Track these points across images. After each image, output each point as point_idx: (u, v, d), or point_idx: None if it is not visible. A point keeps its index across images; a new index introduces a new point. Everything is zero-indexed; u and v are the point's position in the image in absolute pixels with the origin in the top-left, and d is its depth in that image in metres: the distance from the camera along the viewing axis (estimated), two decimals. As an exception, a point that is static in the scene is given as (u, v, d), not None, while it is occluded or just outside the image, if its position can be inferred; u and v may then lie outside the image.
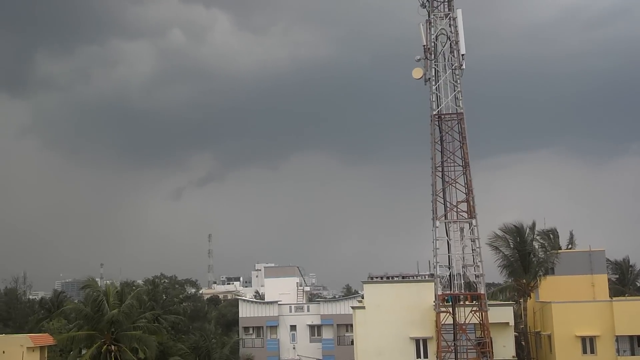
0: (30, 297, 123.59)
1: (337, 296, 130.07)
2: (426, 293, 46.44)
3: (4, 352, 63.38)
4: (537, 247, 53.65)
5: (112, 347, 53.18)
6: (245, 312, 76.59)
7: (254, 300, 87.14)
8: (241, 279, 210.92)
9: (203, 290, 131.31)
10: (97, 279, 63.53)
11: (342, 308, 74.09)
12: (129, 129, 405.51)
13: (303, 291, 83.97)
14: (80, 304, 63.88)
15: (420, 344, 46.62)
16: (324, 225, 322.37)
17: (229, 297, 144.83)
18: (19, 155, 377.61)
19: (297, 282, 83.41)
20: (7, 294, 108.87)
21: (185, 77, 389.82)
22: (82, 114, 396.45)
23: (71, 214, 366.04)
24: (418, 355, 46.72)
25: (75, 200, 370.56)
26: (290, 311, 76.10)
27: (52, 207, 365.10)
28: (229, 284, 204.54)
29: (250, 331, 75.49)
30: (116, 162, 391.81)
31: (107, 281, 62.87)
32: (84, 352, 56.86)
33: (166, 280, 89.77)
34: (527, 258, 51.97)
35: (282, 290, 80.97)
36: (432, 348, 45.60)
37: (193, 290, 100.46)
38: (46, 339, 67.06)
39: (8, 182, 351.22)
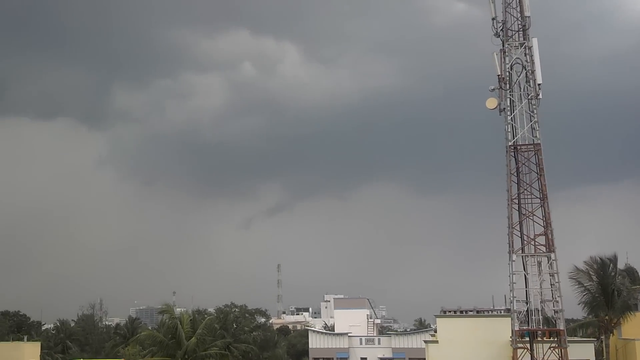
0: (106, 323, 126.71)
1: (408, 329, 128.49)
2: (502, 328, 45.35)
3: (82, 376, 65.16)
4: (619, 282, 51.90)
5: (186, 374, 53.89)
6: (315, 342, 76.49)
7: (324, 331, 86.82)
8: (310, 309, 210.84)
9: (273, 320, 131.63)
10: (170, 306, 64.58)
11: (414, 342, 73.13)
12: (201, 160, 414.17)
13: (374, 323, 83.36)
14: (154, 331, 65.06)
15: (496, 380, 45.44)
16: (394, 257, 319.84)
17: (299, 328, 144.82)
18: (97, 185, 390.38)
19: (367, 314, 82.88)
20: (84, 320, 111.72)
21: (255, 108, 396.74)
22: (156, 145, 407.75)
23: (145, 243, 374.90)
24: (494, 391, 45.53)
25: (149, 229, 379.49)
26: (361, 343, 75.60)
27: (127, 236, 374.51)
28: (298, 314, 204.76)
29: (320, 362, 75.37)
30: (188, 192, 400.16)
31: (180, 309, 63.89)
32: (158, 378, 57.80)
33: (237, 309, 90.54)
34: (611, 293, 50.28)
35: (352, 322, 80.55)
36: (508, 384, 44.39)
37: (263, 320, 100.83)
38: (122, 364, 68.62)
39: (87, 212, 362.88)
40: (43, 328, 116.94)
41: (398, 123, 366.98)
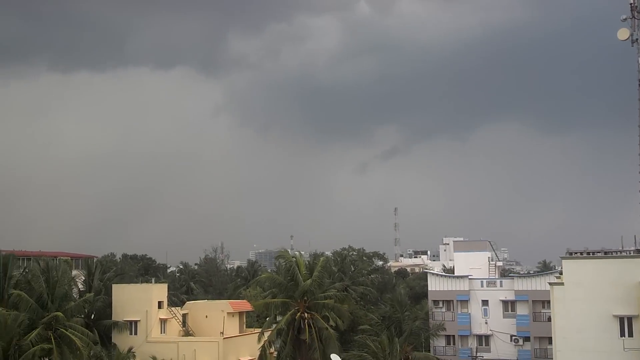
0: (228, 266, 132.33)
1: (531, 272, 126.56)
2: (632, 269, 44.00)
3: (206, 316, 68.89)
4: None
5: (306, 314, 55.70)
6: (435, 285, 76.83)
7: (444, 274, 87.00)
8: (428, 252, 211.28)
9: (390, 263, 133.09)
10: (287, 250, 66.69)
11: (538, 284, 72.07)
12: (315, 104, 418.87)
13: (495, 266, 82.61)
14: (273, 274, 67.35)
15: (625, 322, 44.37)
16: (516, 198, 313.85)
17: (417, 271, 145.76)
18: (215, 132, 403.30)
19: (488, 257, 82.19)
20: (207, 263, 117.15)
21: (370, 49, 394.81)
22: (271, 91, 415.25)
23: (263, 188, 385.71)
24: (622, 334, 44.46)
25: (266, 174, 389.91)
26: (482, 286, 75.25)
27: (245, 182, 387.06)
28: (416, 257, 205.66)
29: (440, 305, 75.68)
30: (304, 136, 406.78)
31: (297, 252, 65.80)
32: (279, 318, 60.13)
33: (354, 253, 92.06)
34: None
35: (473, 264, 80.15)
36: (637, 326, 43.27)
37: (380, 263, 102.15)
38: (244, 305, 71.86)
39: (205, 159, 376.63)
40: (169, 271, 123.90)
41: (521, 59, 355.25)
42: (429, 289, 77.23)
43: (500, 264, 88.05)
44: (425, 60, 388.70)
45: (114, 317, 65.08)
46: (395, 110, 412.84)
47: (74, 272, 68.32)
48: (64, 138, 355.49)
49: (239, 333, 68.82)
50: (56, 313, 50.24)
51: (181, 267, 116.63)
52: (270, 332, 58.65)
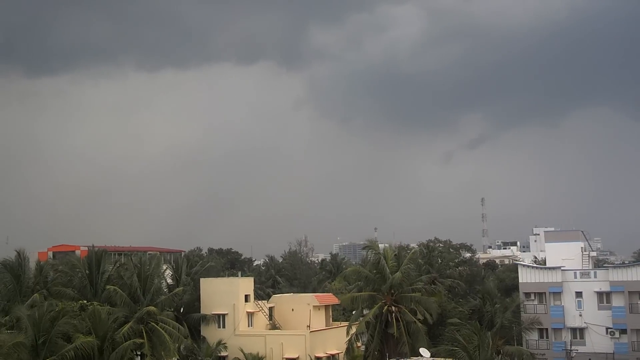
0: (312, 259, 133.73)
1: (626, 262, 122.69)
2: None
3: (292, 309, 70.00)
4: None
5: (393, 308, 55.97)
6: (526, 277, 75.61)
7: (535, 265, 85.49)
8: (518, 243, 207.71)
9: (478, 255, 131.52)
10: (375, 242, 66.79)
11: (634, 274, 70.08)
12: (398, 93, 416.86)
13: (588, 256, 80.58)
14: (360, 267, 67.77)
15: None
16: (609, 186, 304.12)
17: (506, 262, 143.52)
18: (297, 125, 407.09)
19: (581, 247, 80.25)
20: (291, 256, 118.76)
21: (454, 36, 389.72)
22: (353, 81, 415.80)
23: (345, 180, 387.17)
24: None
25: (348, 166, 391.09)
26: (575, 277, 73.61)
27: (328, 175, 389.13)
28: (505, 248, 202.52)
29: (532, 297, 74.44)
30: (386, 127, 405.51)
31: (383, 244, 65.91)
32: (365, 311, 60.59)
33: (441, 245, 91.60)
34: None
35: (565, 255, 78.39)
36: None
37: (468, 255, 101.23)
38: (330, 298, 72.64)
39: (288, 152, 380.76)
40: (254, 264, 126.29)
41: (613, 41, 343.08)
42: (520, 281, 76.06)
43: (593, 254, 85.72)
44: (512, 45, 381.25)
45: (202, 311, 67.02)
46: (481, 98, 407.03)
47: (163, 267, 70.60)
48: (151, 135, 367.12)
49: (326, 326, 69.62)
50: (149, 307, 52.16)
51: (267, 260, 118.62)
52: (357, 325, 59.11)
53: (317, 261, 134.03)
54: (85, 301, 49.42)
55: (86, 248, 68.33)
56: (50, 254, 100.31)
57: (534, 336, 72.41)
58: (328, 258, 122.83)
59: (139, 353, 51.91)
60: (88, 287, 54.32)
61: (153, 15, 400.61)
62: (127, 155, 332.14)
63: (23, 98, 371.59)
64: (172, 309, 62.92)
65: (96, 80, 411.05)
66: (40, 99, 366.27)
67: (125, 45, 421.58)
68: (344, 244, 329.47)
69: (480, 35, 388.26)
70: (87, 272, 55.22)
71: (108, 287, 52.84)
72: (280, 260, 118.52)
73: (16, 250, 54.25)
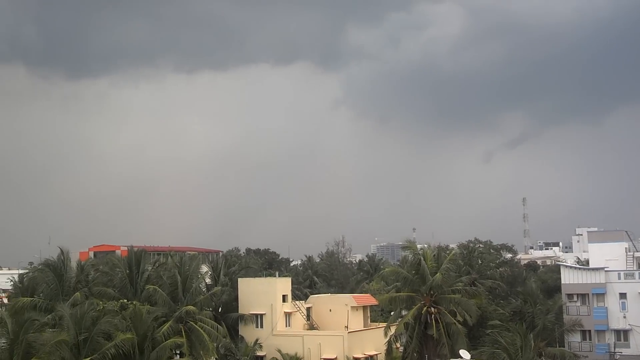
0: (350, 259, 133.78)
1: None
2: None
3: (330, 310, 70.19)
4: None
5: (432, 309, 55.73)
6: (568, 278, 74.67)
7: (578, 266, 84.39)
8: (560, 244, 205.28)
9: (520, 256, 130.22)
10: (414, 242, 66.64)
11: (683, 276, 68.81)
12: (437, 92, 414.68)
13: (633, 257, 79.26)
14: (398, 267, 67.60)
15: None
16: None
17: (548, 263, 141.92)
18: (335, 125, 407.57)
19: (625, 248, 79.00)
20: (329, 257, 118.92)
21: (495, 34, 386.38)
22: (391, 81, 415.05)
23: (384, 181, 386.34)
24: None
25: (387, 166, 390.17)
26: (619, 278, 72.46)
27: (365, 175, 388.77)
28: (547, 249, 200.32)
29: (574, 298, 73.48)
30: (425, 126, 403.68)
31: (422, 245, 65.74)
32: (404, 312, 60.41)
33: (481, 245, 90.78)
34: None
35: (609, 256, 77.25)
36: None
37: (509, 256, 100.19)
38: (368, 299, 72.66)
39: (326, 152, 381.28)
40: (291, 264, 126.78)
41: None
42: (562, 282, 75.16)
43: (638, 254, 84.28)
44: (553, 42, 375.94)
45: (240, 311, 67.57)
46: (522, 96, 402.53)
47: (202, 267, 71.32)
48: (190, 137, 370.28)
49: (364, 327, 69.66)
50: (188, 307, 52.76)
51: (304, 261, 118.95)
52: (395, 326, 58.98)
53: (354, 262, 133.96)
54: (125, 300, 50.18)
55: (126, 248, 69.33)
56: (92, 253, 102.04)
57: (576, 338, 71.50)
58: (365, 259, 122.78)
59: (177, 352, 52.52)
60: (128, 286, 55.15)
61: (190, 17, 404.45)
62: (166, 156, 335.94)
63: (65, 101, 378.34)
64: (211, 309, 63.51)
65: (136, 82, 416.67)
66: (81, 102, 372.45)
67: (163, 48, 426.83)
68: (382, 244, 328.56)
69: (521, 33, 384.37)
70: (127, 271, 56.07)
71: (148, 286, 53.57)
72: (318, 261, 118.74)
73: (59, 247, 55.31)
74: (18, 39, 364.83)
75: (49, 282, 53.90)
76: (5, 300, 67.45)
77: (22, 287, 59.43)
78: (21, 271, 77.48)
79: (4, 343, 40.23)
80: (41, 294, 54.53)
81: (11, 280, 66.66)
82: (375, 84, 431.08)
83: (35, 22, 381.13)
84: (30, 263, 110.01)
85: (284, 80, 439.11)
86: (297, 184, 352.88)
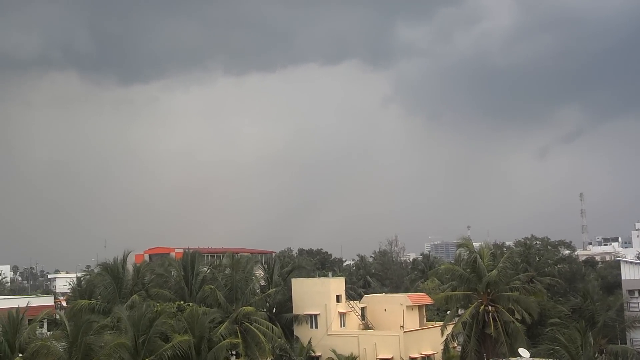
0: (403, 258, 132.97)
1: None
2: None
3: (385, 309, 70.03)
4: None
5: (490, 307, 55.12)
6: (629, 274, 73.21)
7: (639, 261, 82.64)
8: (619, 239, 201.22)
9: (578, 252, 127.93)
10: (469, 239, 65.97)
11: None
12: (490, 87, 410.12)
13: (698, 252, 77.40)
14: (453, 265, 67.02)
15: None
16: None
17: (607, 259, 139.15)
18: (385, 123, 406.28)
19: (690, 242, 77.18)
20: (382, 256, 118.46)
21: (548, 25, 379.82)
22: (441, 77, 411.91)
23: (436, 177, 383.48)
24: None
25: (439, 163, 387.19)
26: (684, 274, 70.82)
27: (418, 172, 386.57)
28: (606, 244, 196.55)
29: (636, 294, 71.98)
30: (477, 122, 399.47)
31: (478, 243, 65.08)
32: (460, 311, 59.89)
33: (538, 242, 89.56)
34: None
35: (672, 250, 75.55)
36: None
37: (567, 252, 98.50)
38: (423, 298, 72.27)
39: (377, 150, 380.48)
40: (344, 264, 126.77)
41: None
42: (623, 278, 73.71)
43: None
44: (609, 34, 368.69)
45: (294, 311, 67.89)
46: (578, 89, 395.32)
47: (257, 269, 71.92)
48: (240, 139, 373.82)
49: (420, 327, 69.33)
50: (244, 308, 53.31)
51: (357, 260, 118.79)
52: (452, 325, 58.54)
53: (408, 261, 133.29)
54: (182, 302, 50.96)
55: (181, 250, 70.48)
56: (147, 256, 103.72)
57: (638, 335, 70.00)
58: (420, 257, 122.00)
59: (234, 352, 53.10)
60: (184, 288, 56.00)
61: (238, 19, 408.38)
62: (217, 159, 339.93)
63: (117, 105, 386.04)
64: (265, 309, 63.96)
65: (186, 86, 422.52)
66: (133, 106, 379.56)
67: (212, 51, 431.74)
68: (436, 242, 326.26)
69: (575, 25, 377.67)
70: (182, 273, 56.93)
71: (205, 287, 54.29)
72: (371, 260, 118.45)
73: (123, 250, 56.70)
74: (71, 46, 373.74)
75: (106, 285, 55.09)
76: (65, 304, 69.18)
77: (80, 290, 60.93)
78: (79, 274, 79.27)
79: (63, 345, 41.21)
80: (99, 297, 55.77)
81: (70, 284, 68.34)
82: (426, 80, 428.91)
83: (87, 28, 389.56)
84: (88, 266, 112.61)
85: (333, 80, 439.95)
86: (348, 183, 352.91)
